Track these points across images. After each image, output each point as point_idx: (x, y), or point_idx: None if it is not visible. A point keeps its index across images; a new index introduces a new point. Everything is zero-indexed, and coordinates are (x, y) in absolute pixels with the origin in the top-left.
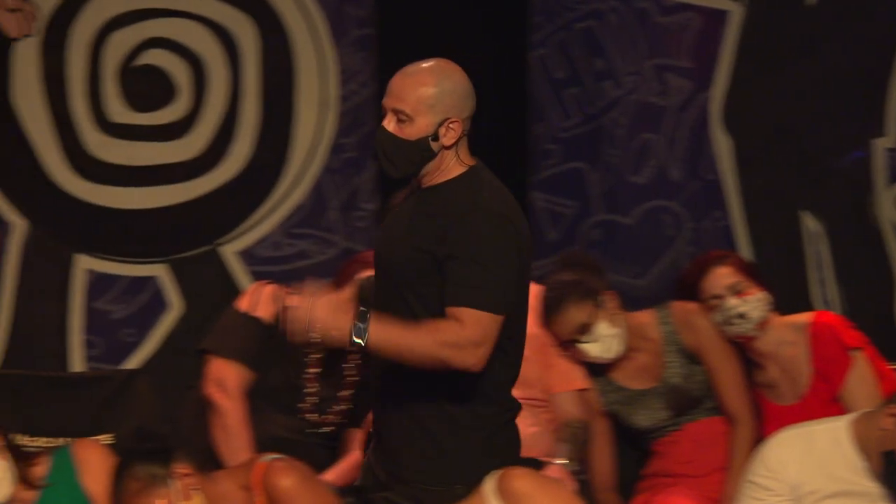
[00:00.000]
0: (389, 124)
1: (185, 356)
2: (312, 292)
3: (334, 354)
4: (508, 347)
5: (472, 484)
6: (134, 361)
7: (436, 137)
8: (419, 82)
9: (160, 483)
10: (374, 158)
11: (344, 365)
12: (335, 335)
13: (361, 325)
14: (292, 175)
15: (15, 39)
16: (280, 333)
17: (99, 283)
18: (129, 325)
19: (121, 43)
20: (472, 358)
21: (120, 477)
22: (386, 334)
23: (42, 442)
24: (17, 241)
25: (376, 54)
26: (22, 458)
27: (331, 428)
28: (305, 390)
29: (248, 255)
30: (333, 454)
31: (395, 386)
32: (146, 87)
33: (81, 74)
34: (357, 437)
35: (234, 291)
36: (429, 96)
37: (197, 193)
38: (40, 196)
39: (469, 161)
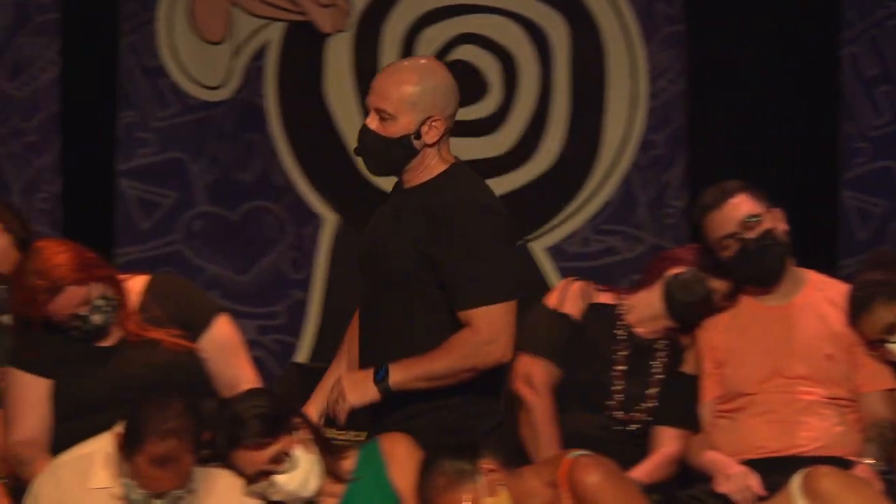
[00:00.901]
0: (372, 122)
1: None
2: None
3: (641, 352)
4: None
5: None
6: None
7: (418, 135)
8: (401, 80)
9: (467, 479)
10: (357, 154)
11: (651, 363)
12: (367, 399)
13: (380, 376)
14: (601, 171)
15: (328, 35)
16: (588, 331)
17: None
18: None
19: (433, 39)
20: (497, 353)
21: (427, 472)
22: (406, 371)
23: (350, 436)
24: (328, 235)
25: (686, 51)
26: (330, 452)
27: (637, 425)
28: (612, 387)
29: (556, 252)
30: (641, 451)
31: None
32: (457, 82)
33: None
34: (665, 434)
35: (542, 288)
36: (411, 94)
37: (506, 189)
38: (351, 190)
39: (450, 159)
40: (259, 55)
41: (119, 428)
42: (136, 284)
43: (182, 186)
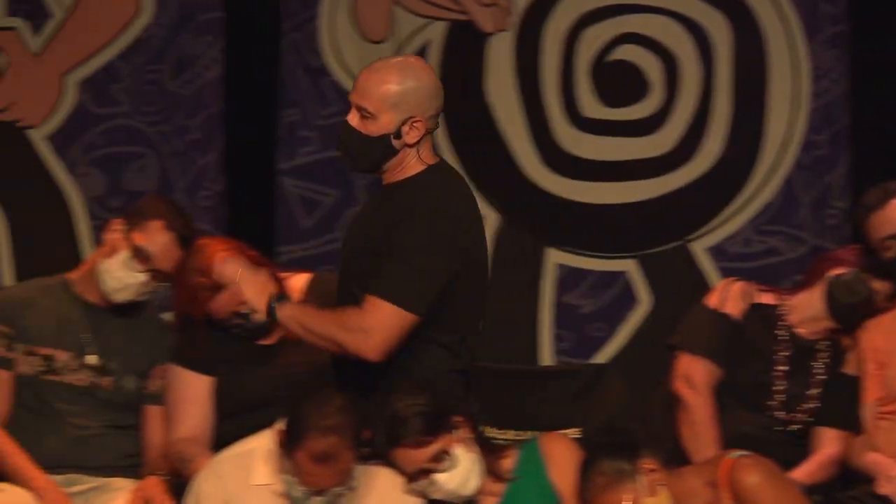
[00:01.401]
0: (353, 119)
1: (653, 351)
2: (239, 270)
3: (803, 352)
4: (449, 343)
5: None
6: (602, 356)
7: (398, 135)
8: (383, 80)
9: (627, 479)
10: (335, 150)
11: (812, 363)
12: (253, 302)
13: (275, 304)
14: (763, 172)
15: (490, 34)
16: (748, 331)
17: (569, 278)
18: (597, 319)
19: (594, 38)
20: (366, 345)
21: (587, 472)
22: (295, 311)
23: (510, 435)
24: (489, 234)
25: (849, 51)
26: (490, 451)
27: (798, 426)
28: (773, 388)
29: (717, 252)
30: (801, 452)
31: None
32: (618, 82)
33: (554, 69)
34: (826, 435)
35: (703, 288)
36: (392, 94)
37: (667, 189)
38: (512, 189)
39: (430, 160)
40: (420, 54)
41: (280, 425)
42: (297, 282)
43: (343, 185)
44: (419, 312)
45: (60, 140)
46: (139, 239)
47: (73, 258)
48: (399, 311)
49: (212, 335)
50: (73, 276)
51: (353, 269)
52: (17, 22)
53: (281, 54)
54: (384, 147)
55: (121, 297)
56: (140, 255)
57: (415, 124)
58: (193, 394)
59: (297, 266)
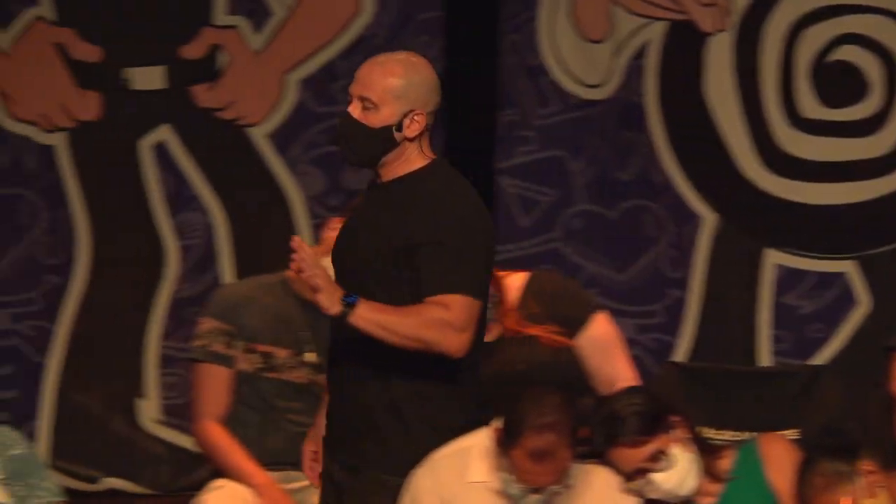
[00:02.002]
0: (355, 110)
1: (871, 353)
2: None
3: None
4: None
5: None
6: (821, 357)
7: (399, 128)
8: (388, 72)
9: (846, 480)
10: (335, 143)
11: None
12: (325, 301)
13: (350, 300)
14: None
15: (709, 34)
16: None
17: (788, 279)
18: (816, 320)
19: (814, 38)
20: (457, 342)
21: (805, 472)
22: (373, 309)
23: (728, 435)
24: (707, 234)
25: None
26: (708, 451)
27: None
28: None
29: None
30: None
31: (346, 375)
32: (838, 83)
33: (774, 69)
34: None
35: None
36: (396, 87)
37: (888, 190)
38: (731, 190)
39: (431, 154)
40: (640, 54)
41: (497, 422)
42: (515, 281)
43: (561, 185)
44: (485, 299)
45: (281, 138)
46: None
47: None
48: (473, 302)
49: None
50: (292, 273)
51: (371, 269)
52: (238, 20)
53: (500, 54)
54: (385, 139)
55: None
56: None
57: (416, 118)
58: None
59: (515, 265)
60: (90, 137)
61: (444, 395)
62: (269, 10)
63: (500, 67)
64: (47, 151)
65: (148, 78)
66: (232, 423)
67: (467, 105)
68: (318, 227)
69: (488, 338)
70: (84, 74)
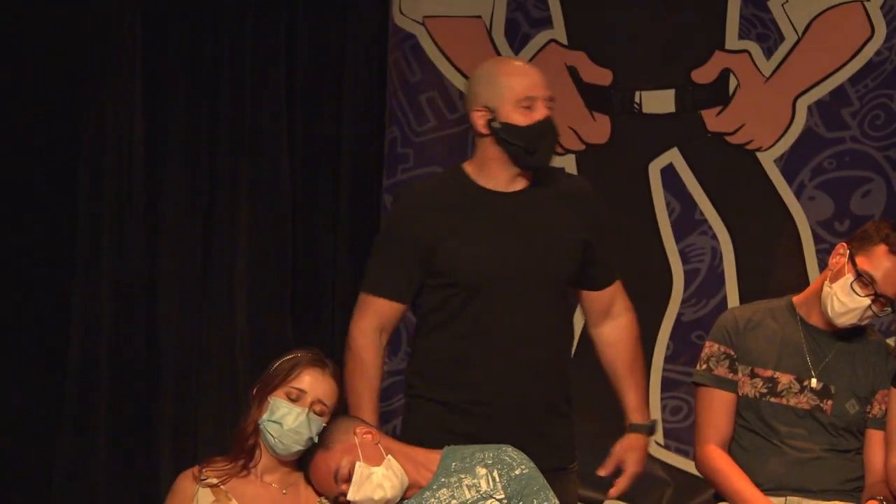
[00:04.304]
0: (549, 111)
1: None
2: None
3: None
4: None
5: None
6: None
7: None
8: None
9: None
10: (540, 149)
11: None
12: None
13: (650, 430)
14: None
15: None
16: None
17: None
18: None
19: None
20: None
21: None
22: (644, 400)
23: None
24: None
25: None
26: None
27: None
28: None
29: None
30: None
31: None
32: None
33: None
34: None
35: None
36: None
37: None
38: None
39: None
40: None
41: None
42: None
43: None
44: None
45: (789, 163)
46: (863, 263)
47: (799, 280)
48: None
49: None
50: (798, 298)
51: (563, 270)
52: (749, 45)
53: None
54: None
55: (844, 321)
56: (863, 279)
57: None
58: None
59: None
60: (599, 159)
61: None
62: (780, 34)
63: None
64: None
65: (659, 101)
66: (734, 447)
67: None
68: (824, 252)
69: None
70: (595, 97)
